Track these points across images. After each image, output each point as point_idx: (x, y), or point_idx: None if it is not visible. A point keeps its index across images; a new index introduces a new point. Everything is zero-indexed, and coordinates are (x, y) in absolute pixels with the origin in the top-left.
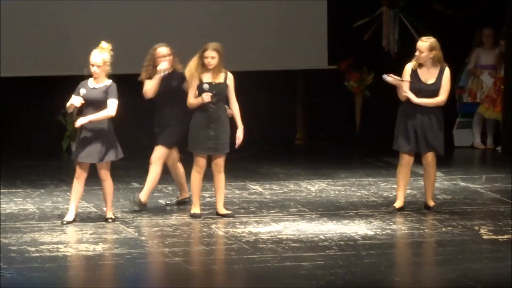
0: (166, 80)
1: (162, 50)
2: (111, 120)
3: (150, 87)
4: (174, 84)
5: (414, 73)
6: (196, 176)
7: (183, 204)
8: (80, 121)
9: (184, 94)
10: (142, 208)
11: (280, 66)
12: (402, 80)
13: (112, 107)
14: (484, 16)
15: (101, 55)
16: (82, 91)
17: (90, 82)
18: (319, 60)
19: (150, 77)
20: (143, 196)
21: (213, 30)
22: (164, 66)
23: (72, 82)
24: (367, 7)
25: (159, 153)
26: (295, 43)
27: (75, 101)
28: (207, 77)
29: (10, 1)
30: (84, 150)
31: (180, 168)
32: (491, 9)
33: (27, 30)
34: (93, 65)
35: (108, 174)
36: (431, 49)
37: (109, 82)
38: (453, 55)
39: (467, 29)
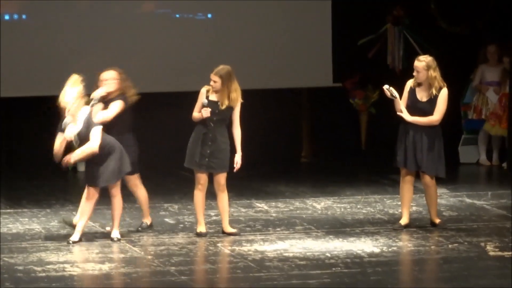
0: (106, 106)
1: (103, 74)
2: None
3: None
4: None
5: (412, 91)
6: (198, 194)
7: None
8: (73, 159)
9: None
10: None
11: (285, 84)
12: (393, 96)
13: (95, 137)
14: (489, 33)
15: (72, 92)
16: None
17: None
18: (324, 78)
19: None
20: (147, 218)
21: (218, 48)
22: (96, 93)
23: None
24: (371, 24)
25: (135, 180)
26: (300, 61)
27: (65, 137)
28: (213, 97)
29: (11, 21)
30: (99, 173)
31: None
32: (495, 26)
33: (31, 51)
34: (67, 103)
35: (119, 191)
36: (427, 68)
37: (86, 110)
38: (457, 72)
39: (472, 46)
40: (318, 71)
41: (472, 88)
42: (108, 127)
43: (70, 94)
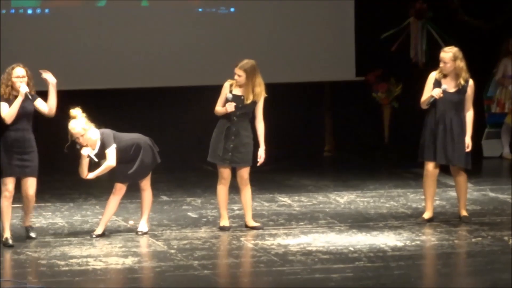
0: (22, 104)
1: (19, 71)
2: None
3: (9, 112)
4: (30, 108)
5: (437, 83)
6: (221, 188)
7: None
8: (89, 176)
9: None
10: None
11: (308, 78)
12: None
13: (111, 156)
14: (511, 26)
15: (80, 123)
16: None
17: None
18: (346, 71)
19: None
20: (27, 221)
21: (241, 42)
22: (25, 89)
23: (97, 96)
24: (394, 18)
25: (33, 187)
26: (323, 55)
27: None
28: (237, 91)
29: (34, 15)
30: (128, 172)
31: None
32: None
33: (54, 45)
34: (78, 138)
35: (149, 184)
36: (454, 59)
37: (96, 133)
38: (480, 66)
39: (494, 39)
40: (341, 65)
41: (495, 81)
42: (14, 123)
43: (79, 125)
